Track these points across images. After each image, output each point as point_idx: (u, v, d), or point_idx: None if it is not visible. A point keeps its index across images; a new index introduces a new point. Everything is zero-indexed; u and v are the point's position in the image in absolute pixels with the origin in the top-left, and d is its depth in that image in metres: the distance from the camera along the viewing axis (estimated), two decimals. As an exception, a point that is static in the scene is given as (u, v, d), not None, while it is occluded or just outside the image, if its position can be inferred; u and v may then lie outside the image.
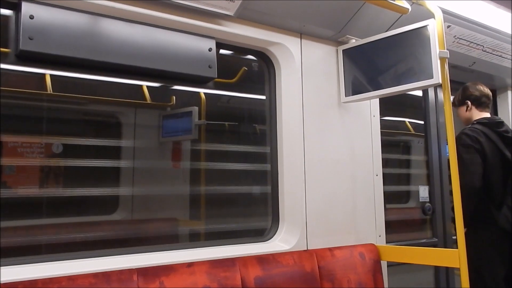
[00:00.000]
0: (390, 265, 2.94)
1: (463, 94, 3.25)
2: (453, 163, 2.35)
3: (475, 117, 3.16)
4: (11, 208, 2.47)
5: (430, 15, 2.44)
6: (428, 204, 3.77)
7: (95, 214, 2.97)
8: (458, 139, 3.01)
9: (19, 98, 2.62)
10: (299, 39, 2.74)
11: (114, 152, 3.05)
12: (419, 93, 3.92)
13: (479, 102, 3.19)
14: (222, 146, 3.35)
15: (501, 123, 3.10)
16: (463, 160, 2.95)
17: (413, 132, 4.18)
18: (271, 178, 2.72)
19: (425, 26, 2.46)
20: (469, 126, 3.11)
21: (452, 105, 3.17)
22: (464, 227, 2.96)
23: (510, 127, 3.29)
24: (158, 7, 2.24)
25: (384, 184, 3.03)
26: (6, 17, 2.03)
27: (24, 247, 2.50)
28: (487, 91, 3.23)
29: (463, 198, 2.94)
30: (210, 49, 2.44)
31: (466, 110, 3.22)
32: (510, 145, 3.04)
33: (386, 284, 2.81)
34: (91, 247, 2.68)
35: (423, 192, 3.81)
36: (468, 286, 2.28)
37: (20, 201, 2.65)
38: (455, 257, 2.33)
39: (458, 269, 2.33)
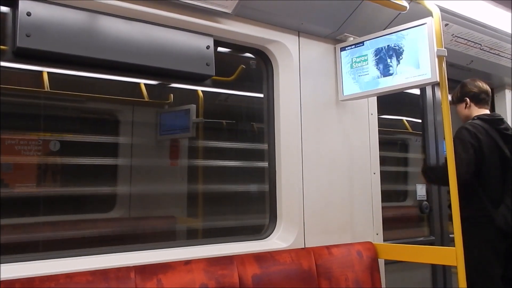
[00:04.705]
0: (387, 263, 2.95)
1: (461, 91, 3.21)
2: (450, 161, 2.35)
3: (474, 114, 3.13)
4: (9, 206, 2.47)
5: (428, 13, 2.44)
6: (425, 202, 3.78)
7: (93, 212, 2.97)
8: (458, 133, 3.00)
9: (16, 95, 2.61)
10: (297, 37, 2.74)
11: (112, 150, 3.04)
12: (416, 91, 3.93)
13: (478, 99, 3.16)
14: (220, 144, 3.34)
15: (502, 120, 3.08)
16: (457, 153, 2.95)
17: (410, 130, 4.19)
18: (268, 176, 2.72)
19: (423, 24, 2.46)
20: (470, 121, 3.08)
21: (451, 103, 3.17)
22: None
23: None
24: (156, 4, 2.23)
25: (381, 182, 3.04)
26: (3, 14, 2.03)
27: (21, 244, 2.49)
28: (485, 87, 3.19)
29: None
30: (208, 47, 2.44)
31: (465, 108, 3.18)
32: (509, 143, 3.02)
33: (383, 282, 2.81)
34: (89, 244, 2.68)
35: (421, 190, 3.82)
36: (465, 285, 2.29)
37: (17, 199, 2.64)
38: (452, 255, 2.33)
39: (455, 267, 2.33)
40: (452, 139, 2.38)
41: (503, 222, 2.87)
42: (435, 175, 3.32)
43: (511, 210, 2.89)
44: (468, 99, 3.16)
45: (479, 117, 3.07)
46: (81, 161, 2.84)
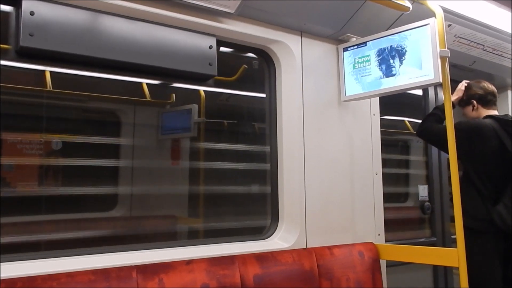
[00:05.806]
0: (389, 265, 2.94)
1: (467, 94, 3.15)
2: (453, 162, 2.34)
3: (483, 115, 3.10)
4: (11, 204, 2.47)
5: (431, 14, 2.43)
6: (427, 203, 3.78)
7: (94, 211, 2.97)
8: (463, 122, 2.97)
9: (18, 94, 2.62)
10: (300, 37, 2.74)
11: (113, 150, 3.05)
12: (419, 92, 3.92)
13: (485, 101, 3.11)
14: (221, 144, 3.34)
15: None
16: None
17: (412, 131, 4.18)
18: (270, 176, 2.72)
19: (426, 25, 2.46)
20: (481, 118, 3.05)
21: (457, 105, 3.15)
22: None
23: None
24: (158, 4, 2.23)
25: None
26: (6, 13, 2.03)
27: (23, 243, 2.49)
28: (491, 88, 3.14)
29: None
30: (210, 47, 2.44)
31: (473, 110, 3.14)
32: None
33: (384, 283, 2.81)
34: (90, 243, 2.68)
35: (423, 191, 3.81)
36: (467, 286, 2.29)
37: (18, 198, 2.64)
38: (454, 256, 2.33)
39: (457, 268, 2.33)
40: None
41: (499, 219, 2.85)
42: (431, 128, 3.09)
43: (510, 209, 2.87)
44: (475, 102, 3.12)
45: (491, 116, 3.04)
46: (82, 161, 2.85)
